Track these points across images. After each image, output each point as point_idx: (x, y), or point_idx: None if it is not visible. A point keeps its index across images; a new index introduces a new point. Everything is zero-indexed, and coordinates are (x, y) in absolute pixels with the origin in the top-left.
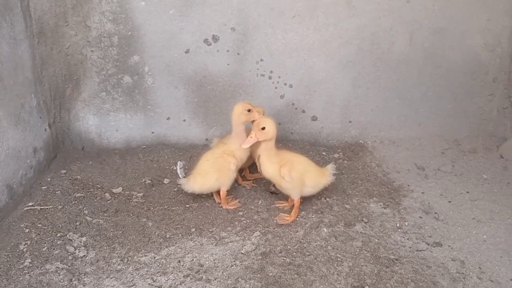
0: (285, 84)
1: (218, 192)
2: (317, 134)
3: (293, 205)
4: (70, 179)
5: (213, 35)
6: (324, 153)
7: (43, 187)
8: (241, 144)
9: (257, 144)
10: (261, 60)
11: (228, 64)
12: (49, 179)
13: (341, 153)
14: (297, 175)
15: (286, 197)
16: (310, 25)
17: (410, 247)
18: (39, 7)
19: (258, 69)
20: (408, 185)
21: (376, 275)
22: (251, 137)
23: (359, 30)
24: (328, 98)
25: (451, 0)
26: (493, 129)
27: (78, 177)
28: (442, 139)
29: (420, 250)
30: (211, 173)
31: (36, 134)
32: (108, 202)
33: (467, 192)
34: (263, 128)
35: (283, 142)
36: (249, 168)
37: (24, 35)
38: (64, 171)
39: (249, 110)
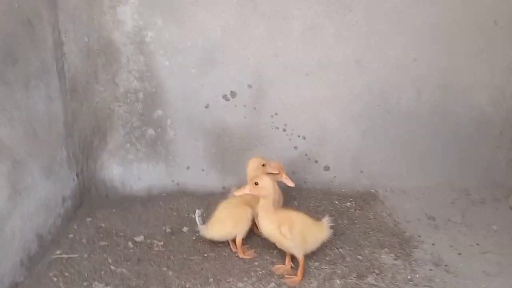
0: (299, 136)
1: (234, 240)
2: (330, 183)
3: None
4: (95, 227)
5: (231, 91)
6: (336, 202)
7: (70, 235)
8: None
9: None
10: (275, 114)
11: (244, 118)
12: (75, 227)
13: (353, 202)
14: (297, 232)
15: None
16: (321, 81)
17: None
18: (72, 67)
19: (273, 122)
20: (419, 236)
21: None
22: (244, 188)
23: (368, 86)
24: (340, 149)
25: (455, 57)
26: (501, 180)
27: (103, 225)
28: (451, 189)
29: None
30: (229, 220)
31: (65, 184)
32: (131, 251)
33: (477, 244)
34: (256, 184)
35: (297, 191)
36: None
37: (58, 93)
38: (90, 219)
39: (263, 165)
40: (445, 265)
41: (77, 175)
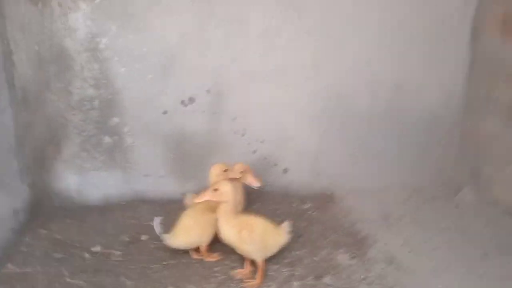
0: (257, 140)
1: (195, 248)
2: (288, 186)
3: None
4: (50, 239)
5: (189, 97)
6: (294, 205)
7: (23, 249)
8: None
9: None
10: (234, 119)
11: (203, 124)
12: (28, 240)
13: (311, 204)
14: (257, 237)
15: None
16: (279, 85)
17: None
18: (23, 76)
19: (232, 127)
20: (373, 235)
21: None
22: (204, 195)
23: (325, 89)
24: (298, 152)
25: (407, 59)
26: (451, 178)
27: (58, 236)
28: (404, 189)
29: None
30: (193, 228)
31: (16, 197)
32: (87, 262)
33: (426, 242)
34: (216, 189)
35: (257, 194)
36: None
37: (8, 103)
38: (44, 231)
39: (225, 171)
40: (397, 263)
41: (29, 186)
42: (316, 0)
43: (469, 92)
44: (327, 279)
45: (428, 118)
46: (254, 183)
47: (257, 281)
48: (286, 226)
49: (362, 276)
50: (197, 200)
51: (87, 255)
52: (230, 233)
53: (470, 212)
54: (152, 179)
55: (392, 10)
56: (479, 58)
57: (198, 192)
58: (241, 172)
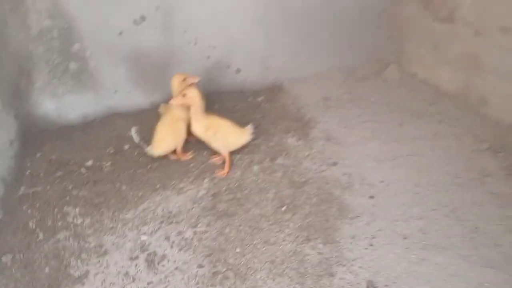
0: (209, 47)
1: (172, 151)
2: (243, 84)
3: (225, 159)
4: (47, 160)
5: (140, 15)
6: (250, 99)
7: (27, 172)
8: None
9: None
10: (185, 31)
11: (157, 39)
12: (29, 164)
13: (263, 96)
14: (220, 136)
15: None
16: None
17: (315, 170)
18: None
19: (184, 38)
20: (315, 117)
21: (292, 196)
22: (176, 99)
23: None
24: (247, 52)
25: None
26: (379, 58)
27: (53, 157)
28: (341, 72)
29: (322, 171)
30: (169, 138)
31: (8, 129)
32: (85, 175)
33: (358, 116)
34: (184, 95)
35: (216, 95)
36: None
37: None
38: (39, 153)
39: (184, 79)
40: (334, 138)
41: (15, 118)
42: None
43: None
44: (279, 160)
45: (359, 8)
46: (194, 79)
47: (225, 170)
48: (249, 128)
49: (306, 154)
50: (173, 102)
51: (83, 170)
52: (199, 131)
53: (395, 85)
54: (121, 94)
55: None
56: None
57: (165, 100)
58: (184, 79)
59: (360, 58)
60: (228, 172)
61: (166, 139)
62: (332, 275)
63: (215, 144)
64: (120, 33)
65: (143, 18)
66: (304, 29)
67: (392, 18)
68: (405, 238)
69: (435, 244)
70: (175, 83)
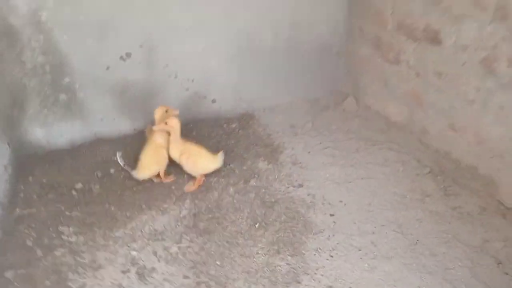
0: (188, 80)
1: (156, 175)
2: (218, 113)
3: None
4: (39, 184)
5: (126, 52)
6: (224, 126)
7: (21, 195)
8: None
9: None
10: (167, 66)
11: (141, 73)
12: (22, 187)
13: (236, 123)
14: (191, 162)
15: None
16: (200, 34)
17: (284, 191)
18: None
19: (165, 72)
20: (283, 143)
21: (264, 214)
22: (159, 126)
23: (237, 33)
24: (222, 85)
25: (300, 3)
26: (339, 91)
27: (44, 180)
28: (306, 102)
29: (290, 192)
30: (153, 164)
31: (2, 155)
32: (76, 197)
33: (320, 143)
34: (166, 123)
35: (194, 123)
36: None
37: None
38: (31, 177)
39: (166, 111)
40: (299, 163)
41: (8, 144)
42: None
43: (348, 26)
44: (252, 182)
45: (320, 46)
46: (174, 111)
47: (193, 186)
48: (220, 155)
49: (276, 176)
50: (155, 129)
51: (73, 192)
52: (175, 156)
53: (352, 115)
54: (107, 121)
55: None
56: (355, 0)
57: (149, 124)
58: (166, 111)
59: (322, 90)
60: (195, 188)
61: (150, 165)
62: (299, 282)
63: (187, 167)
64: (108, 68)
65: (128, 55)
66: (272, 65)
67: (349, 56)
68: (359, 250)
69: (384, 255)
70: (159, 113)
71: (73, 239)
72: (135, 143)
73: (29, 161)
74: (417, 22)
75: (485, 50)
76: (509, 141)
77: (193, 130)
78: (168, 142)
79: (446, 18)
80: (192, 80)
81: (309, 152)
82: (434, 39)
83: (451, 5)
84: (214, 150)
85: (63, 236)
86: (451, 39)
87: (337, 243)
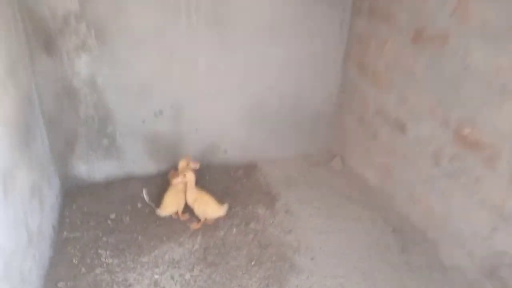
0: (206, 134)
1: (175, 213)
2: (228, 161)
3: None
4: (81, 211)
5: (159, 110)
6: (231, 173)
7: (67, 220)
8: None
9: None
10: (190, 122)
11: (170, 127)
12: (67, 213)
13: (242, 171)
14: (201, 209)
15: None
16: (219, 99)
17: (277, 235)
18: (47, 106)
19: (189, 127)
20: (279, 193)
21: (259, 254)
22: (178, 179)
23: (249, 100)
24: (233, 139)
25: (302, 80)
26: (329, 150)
27: (85, 209)
28: (300, 158)
29: (281, 237)
30: (173, 205)
31: (55, 187)
32: (111, 225)
33: (309, 196)
34: (184, 175)
35: (207, 168)
36: None
37: (41, 126)
38: (75, 205)
39: (188, 163)
40: (291, 211)
41: (59, 178)
42: (242, 44)
43: (339, 101)
44: (252, 225)
45: (316, 113)
46: (195, 165)
47: (198, 225)
48: (225, 206)
49: (271, 221)
50: (174, 182)
51: (109, 221)
52: (190, 201)
53: (337, 173)
54: (138, 164)
55: (290, 52)
56: (345, 81)
57: (172, 169)
58: (188, 164)
59: (315, 148)
60: (199, 227)
61: (171, 205)
62: None
63: (198, 212)
64: (143, 121)
65: (161, 112)
66: (275, 126)
67: (339, 124)
68: None
69: None
70: (182, 164)
71: (109, 260)
72: (158, 182)
73: (73, 192)
74: (390, 112)
75: (435, 146)
76: (449, 217)
77: (206, 174)
78: (186, 189)
79: (410, 115)
80: (210, 135)
81: (300, 203)
82: (402, 128)
83: (415, 107)
84: (223, 194)
85: (101, 258)
86: (413, 131)
87: (314, 283)
